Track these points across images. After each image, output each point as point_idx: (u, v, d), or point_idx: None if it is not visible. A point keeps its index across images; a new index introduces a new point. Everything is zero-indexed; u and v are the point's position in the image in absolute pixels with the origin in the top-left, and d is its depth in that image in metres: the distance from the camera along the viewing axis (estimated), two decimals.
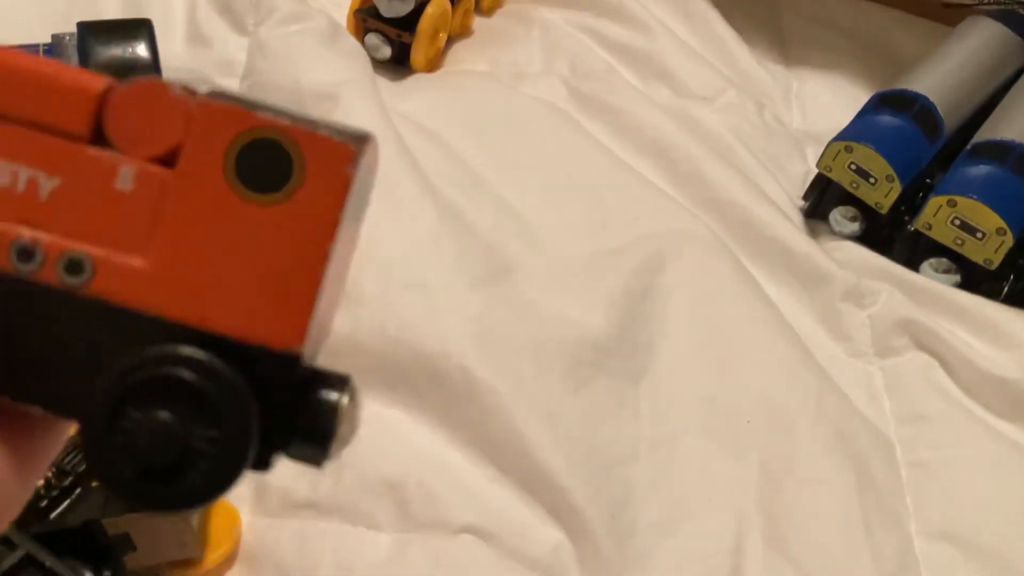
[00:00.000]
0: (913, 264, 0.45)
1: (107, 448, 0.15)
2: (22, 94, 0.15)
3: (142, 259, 0.15)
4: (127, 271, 0.15)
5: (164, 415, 0.15)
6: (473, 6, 0.55)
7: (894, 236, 0.46)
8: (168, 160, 0.15)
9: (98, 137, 0.15)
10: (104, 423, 0.15)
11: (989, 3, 0.56)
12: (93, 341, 0.15)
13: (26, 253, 0.15)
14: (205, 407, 0.15)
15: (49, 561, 0.28)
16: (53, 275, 0.15)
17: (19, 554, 0.28)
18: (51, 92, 0.15)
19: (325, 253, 0.15)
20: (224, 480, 0.15)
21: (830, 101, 0.56)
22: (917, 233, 0.45)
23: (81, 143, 0.15)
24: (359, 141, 0.15)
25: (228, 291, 0.15)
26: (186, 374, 0.15)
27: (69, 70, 0.15)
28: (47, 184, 0.15)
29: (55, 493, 0.30)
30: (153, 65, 0.42)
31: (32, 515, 0.29)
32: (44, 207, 0.15)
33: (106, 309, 0.15)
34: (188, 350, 0.15)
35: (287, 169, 0.15)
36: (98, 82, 0.15)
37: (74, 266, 0.15)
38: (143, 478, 0.15)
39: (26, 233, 0.15)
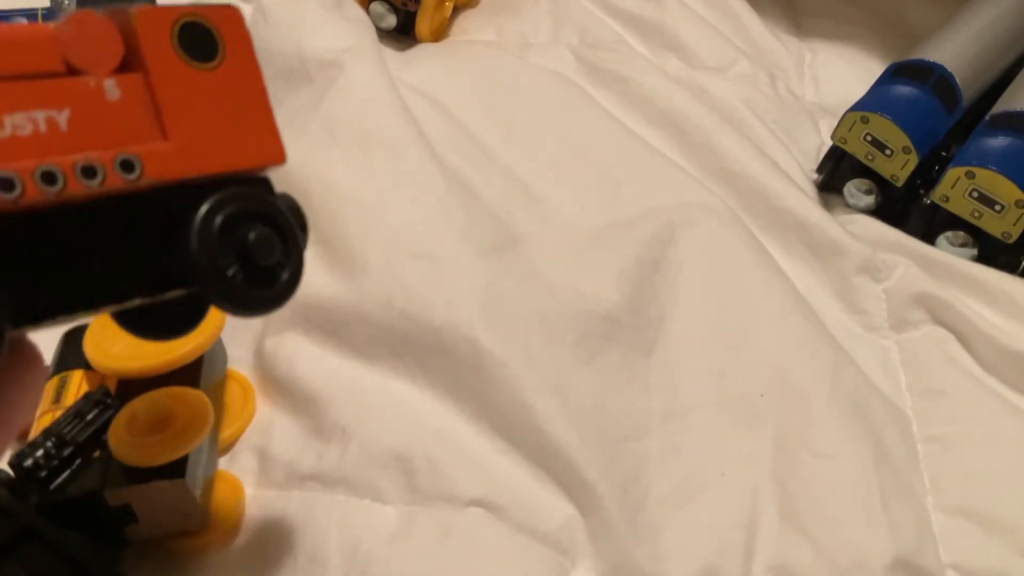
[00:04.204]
0: (929, 237, 0.44)
1: (221, 267, 0.19)
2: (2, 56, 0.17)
3: (165, 142, 0.19)
4: (162, 153, 0.19)
5: (263, 229, 0.20)
6: None
7: (910, 209, 0.45)
8: (124, 67, 0.19)
9: (71, 70, 0.18)
10: (217, 245, 0.19)
11: None
12: (153, 226, 0.19)
13: (89, 171, 0.18)
14: (274, 226, 0.20)
15: (48, 532, 0.27)
16: (117, 179, 0.18)
17: (18, 525, 0.27)
18: (19, 46, 0.18)
19: (264, 88, 0.21)
20: (298, 276, 0.21)
21: (843, 73, 0.55)
22: (934, 206, 0.44)
23: (62, 77, 0.18)
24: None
25: (231, 140, 0.20)
26: (260, 205, 0.20)
27: (20, 26, 0.19)
28: (61, 117, 0.18)
29: (55, 464, 0.29)
30: None
31: (31, 486, 0.29)
32: (70, 136, 0.18)
33: (149, 197, 0.19)
34: (252, 190, 0.20)
35: (213, 39, 0.20)
36: (45, 28, 0.18)
37: (127, 165, 0.18)
38: (249, 284, 0.20)
39: (79, 156, 0.18)
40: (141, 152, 0.18)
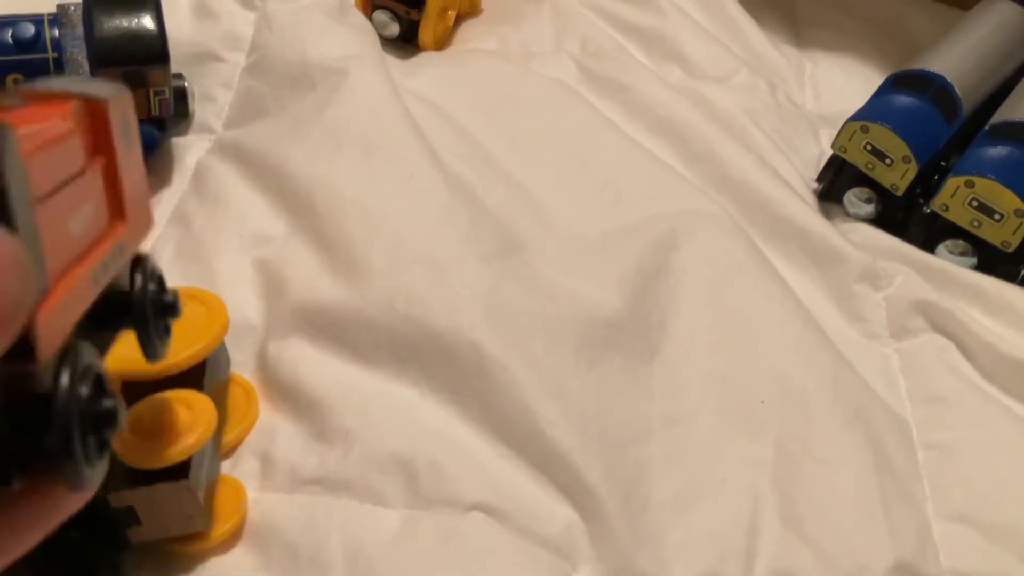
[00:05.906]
0: (929, 246, 0.44)
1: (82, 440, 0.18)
2: (72, 155, 0.19)
3: (125, 224, 0.21)
4: (125, 232, 0.21)
5: (115, 400, 0.19)
6: None
7: (909, 218, 0.46)
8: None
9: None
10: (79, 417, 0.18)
11: None
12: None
13: (109, 264, 0.20)
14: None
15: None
16: (117, 266, 0.21)
17: None
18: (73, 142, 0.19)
19: (142, 161, 0.23)
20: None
21: (843, 83, 0.55)
22: (933, 215, 0.44)
23: (85, 174, 0.19)
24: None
25: (139, 217, 0.22)
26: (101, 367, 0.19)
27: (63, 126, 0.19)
28: (90, 209, 0.19)
29: None
30: (159, 37, 0.42)
31: None
32: (96, 226, 0.20)
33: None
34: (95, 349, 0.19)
35: (129, 126, 0.22)
36: (64, 117, 0.19)
37: (119, 250, 0.21)
38: (98, 452, 0.19)
39: (108, 247, 0.20)
40: (124, 236, 0.21)
